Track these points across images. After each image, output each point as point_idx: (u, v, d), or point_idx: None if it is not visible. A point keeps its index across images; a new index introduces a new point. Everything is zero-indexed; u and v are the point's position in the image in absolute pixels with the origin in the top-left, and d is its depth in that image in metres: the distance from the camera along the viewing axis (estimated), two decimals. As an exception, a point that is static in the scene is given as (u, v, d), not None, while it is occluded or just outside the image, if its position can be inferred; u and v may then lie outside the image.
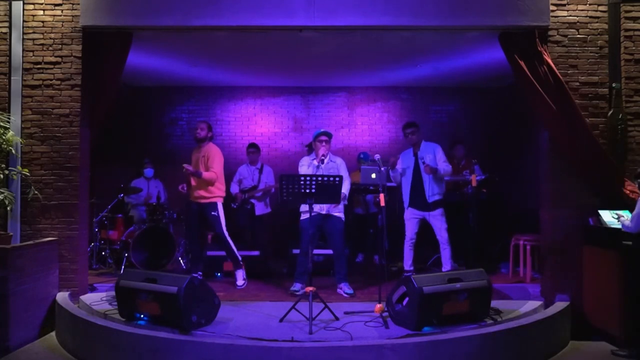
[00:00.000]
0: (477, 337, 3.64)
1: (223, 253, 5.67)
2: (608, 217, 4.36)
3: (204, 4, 4.64)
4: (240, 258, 5.45)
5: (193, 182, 5.44)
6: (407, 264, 5.44)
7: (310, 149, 5.43)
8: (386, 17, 4.64)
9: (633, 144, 4.68)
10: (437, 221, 5.30)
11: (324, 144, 5.00)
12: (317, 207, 4.84)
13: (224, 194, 5.53)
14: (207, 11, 4.64)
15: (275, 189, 6.65)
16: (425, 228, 5.44)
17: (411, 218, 5.44)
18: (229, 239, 5.41)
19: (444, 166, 5.31)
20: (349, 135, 8.06)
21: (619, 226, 4.07)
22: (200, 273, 5.45)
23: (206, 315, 3.93)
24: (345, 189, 4.89)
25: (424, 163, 5.28)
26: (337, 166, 5.06)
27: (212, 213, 5.38)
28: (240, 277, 5.38)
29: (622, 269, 4.03)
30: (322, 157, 4.93)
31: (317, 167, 4.94)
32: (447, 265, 5.30)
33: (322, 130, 5.09)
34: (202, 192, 5.38)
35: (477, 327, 3.84)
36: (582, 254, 4.55)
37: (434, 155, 5.34)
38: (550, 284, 4.65)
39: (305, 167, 5.05)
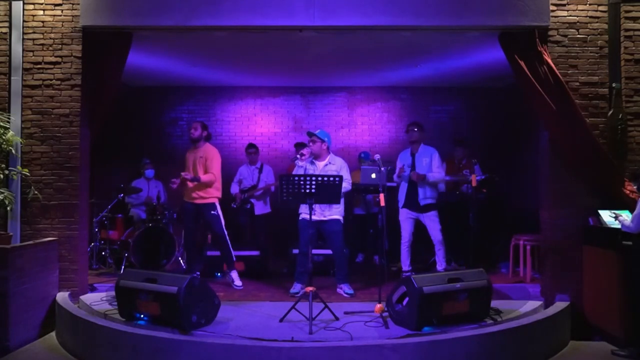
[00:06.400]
0: (477, 337, 3.65)
1: (224, 253, 5.67)
2: (608, 217, 4.36)
3: (204, 4, 4.63)
4: (234, 259, 5.47)
5: (190, 184, 5.42)
6: (405, 264, 5.47)
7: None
8: (386, 17, 4.64)
9: (633, 144, 4.68)
10: (431, 222, 5.36)
11: (310, 144, 5.03)
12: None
13: (220, 195, 5.51)
14: (207, 11, 4.64)
15: (275, 187, 6.65)
16: (422, 228, 5.46)
17: (406, 218, 5.47)
18: (228, 238, 5.41)
19: (436, 172, 5.34)
20: (349, 135, 8.05)
21: (619, 226, 4.07)
22: (198, 273, 5.44)
23: (206, 315, 3.93)
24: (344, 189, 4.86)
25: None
26: (336, 169, 4.97)
27: (212, 212, 5.37)
28: (237, 277, 5.38)
29: (622, 269, 4.03)
30: (297, 156, 4.95)
31: (300, 167, 4.97)
32: (441, 264, 5.34)
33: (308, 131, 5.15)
34: (199, 193, 5.36)
35: (477, 327, 3.84)
36: (582, 254, 4.55)
37: (430, 160, 5.38)
38: (550, 284, 4.65)
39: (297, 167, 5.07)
